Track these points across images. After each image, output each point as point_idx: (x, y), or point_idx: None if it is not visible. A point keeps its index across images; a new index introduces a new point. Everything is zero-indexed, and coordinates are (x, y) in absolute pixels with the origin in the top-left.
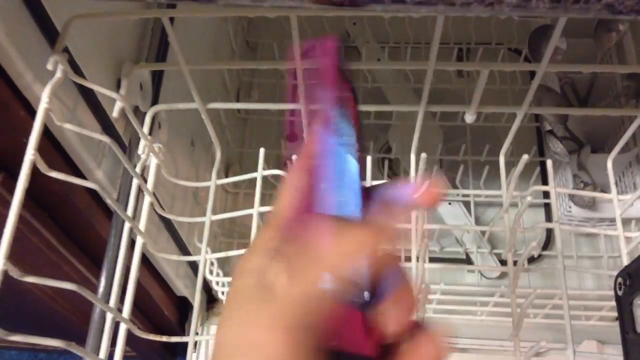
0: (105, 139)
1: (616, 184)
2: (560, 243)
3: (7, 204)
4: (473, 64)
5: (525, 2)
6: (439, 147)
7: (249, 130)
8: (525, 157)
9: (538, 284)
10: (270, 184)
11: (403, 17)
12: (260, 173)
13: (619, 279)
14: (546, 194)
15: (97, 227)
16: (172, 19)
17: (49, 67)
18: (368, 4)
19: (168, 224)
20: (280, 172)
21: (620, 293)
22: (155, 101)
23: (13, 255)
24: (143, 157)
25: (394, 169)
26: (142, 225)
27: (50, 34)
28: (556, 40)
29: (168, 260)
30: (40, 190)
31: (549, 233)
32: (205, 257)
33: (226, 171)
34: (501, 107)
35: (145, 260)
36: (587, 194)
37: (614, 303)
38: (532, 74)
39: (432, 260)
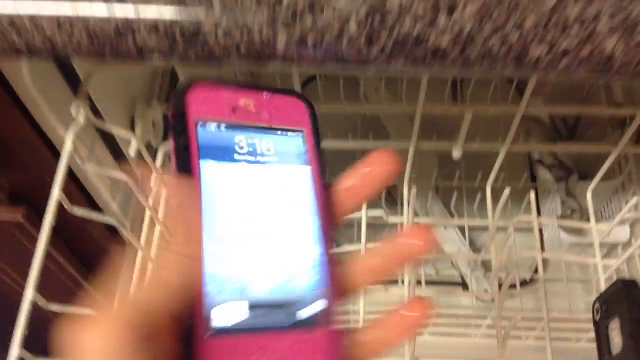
0: (123, 177)
1: (604, 209)
2: (542, 271)
3: (30, 237)
4: (459, 107)
5: (492, 67)
6: (434, 173)
7: None
8: (508, 191)
9: (531, 306)
10: None
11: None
12: None
13: (597, 305)
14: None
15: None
16: None
17: (72, 112)
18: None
19: None
20: None
21: (597, 318)
22: (166, 136)
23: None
24: (155, 189)
25: (392, 195)
26: (154, 252)
27: (73, 81)
28: (529, 93)
29: None
30: (59, 222)
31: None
32: None
33: None
34: (486, 145)
35: None
36: (569, 223)
37: None
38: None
39: (428, 283)
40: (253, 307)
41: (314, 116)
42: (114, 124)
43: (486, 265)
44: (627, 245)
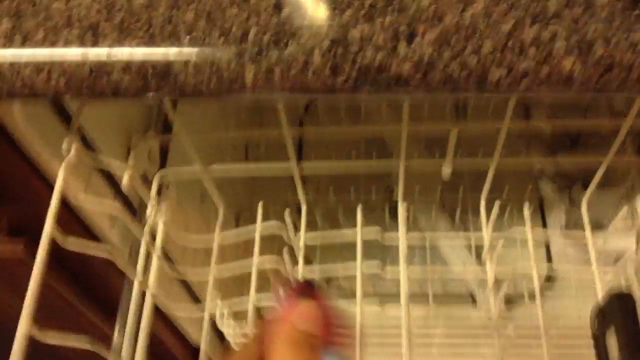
0: (114, 208)
1: (609, 220)
2: (538, 282)
3: (29, 268)
4: (445, 124)
5: (455, 90)
6: (439, 188)
7: (259, 181)
8: (498, 203)
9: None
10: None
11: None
12: (258, 226)
13: (594, 316)
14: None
15: (112, 284)
16: None
17: (64, 147)
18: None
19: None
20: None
21: (595, 329)
22: (163, 165)
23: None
24: (149, 221)
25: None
26: (151, 280)
27: (65, 116)
28: (508, 118)
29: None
30: (58, 251)
31: (550, 269)
32: (210, 311)
33: (237, 219)
34: (474, 160)
35: (159, 311)
36: (565, 234)
37: None
38: (528, 113)
39: (437, 298)
40: None
41: None
42: (109, 154)
43: (496, 281)
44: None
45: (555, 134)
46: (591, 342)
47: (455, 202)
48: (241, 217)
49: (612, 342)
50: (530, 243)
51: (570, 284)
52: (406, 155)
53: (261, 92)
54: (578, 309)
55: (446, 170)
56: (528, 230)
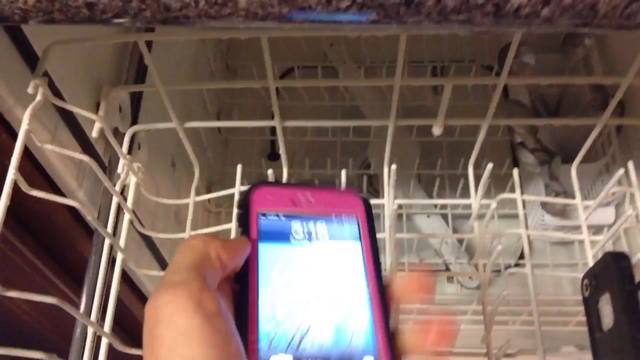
0: (84, 157)
1: (588, 192)
2: (528, 248)
3: None
4: (438, 79)
5: (470, 19)
6: (416, 162)
7: (231, 150)
8: (490, 165)
9: (516, 291)
10: None
11: (378, 38)
12: (237, 189)
13: (585, 281)
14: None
15: (78, 246)
16: (150, 43)
17: (30, 91)
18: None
19: (150, 244)
20: None
21: (586, 294)
22: (134, 122)
23: None
24: (122, 176)
25: (374, 185)
26: (122, 242)
27: (30, 59)
28: (513, 53)
29: (150, 278)
30: (22, 211)
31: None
32: None
33: (208, 191)
34: (466, 120)
35: (127, 278)
36: (553, 200)
37: None
38: (506, 91)
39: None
40: None
41: (368, 209)
42: (78, 107)
43: (470, 252)
44: (612, 226)
45: (535, 107)
46: (569, 312)
47: (432, 176)
48: (212, 190)
49: (606, 307)
50: (520, 208)
51: (547, 256)
52: (382, 126)
53: (255, 18)
54: (554, 283)
55: (437, 130)
56: (518, 196)
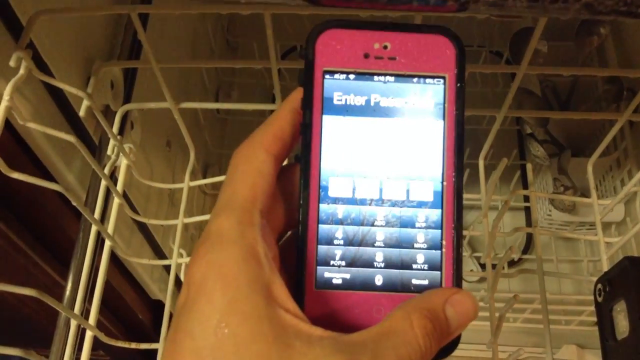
0: (69, 137)
1: (596, 187)
2: (540, 247)
3: None
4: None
5: (502, 1)
6: None
7: (229, 131)
8: (505, 160)
9: (518, 288)
10: None
11: (384, 16)
12: None
13: (599, 285)
14: (526, 198)
15: (66, 229)
16: (146, 18)
17: (12, 63)
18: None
19: (142, 227)
20: None
21: (600, 299)
22: (127, 101)
23: None
24: (112, 157)
25: None
26: (110, 227)
27: (15, 29)
28: (536, 40)
29: (142, 263)
30: (8, 193)
31: (530, 237)
32: (178, 260)
33: (204, 173)
34: (481, 110)
35: (118, 263)
36: (567, 198)
37: (593, 308)
38: (513, 77)
39: None
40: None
41: (460, 56)
42: (67, 83)
43: (473, 245)
44: (621, 223)
45: (546, 99)
46: (572, 311)
47: None
48: (208, 172)
49: (621, 314)
50: (533, 202)
51: (552, 252)
52: None
53: None
54: (556, 279)
55: None
56: (531, 192)
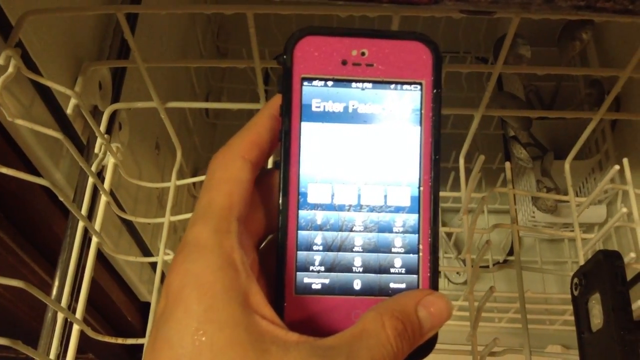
0: (57, 134)
1: (579, 190)
2: (518, 242)
3: None
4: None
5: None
6: None
7: (219, 135)
8: (482, 157)
9: (503, 288)
10: None
11: (372, 19)
12: None
13: (575, 279)
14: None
15: (54, 227)
16: (135, 20)
17: (0, 62)
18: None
19: (131, 229)
20: None
21: (576, 293)
22: (116, 100)
23: None
24: (100, 155)
25: None
26: (97, 225)
27: (4, 28)
28: (510, 39)
29: (131, 264)
30: None
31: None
32: (164, 258)
33: (194, 176)
34: (459, 109)
35: (107, 265)
36: (545, 196)
37: None
38: (500, 83)
39: None
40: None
41: (437, 62)
42: (54, 82)
43: (458, 247)
44: (603, 225)
45: (529, 101)
46: (556, 311)
47: None
48: (198, 175)
49: (595, 307)
50: (511, 201)
51: (536, 253)
52: None
53: None
54: (541, 280)
55: None
56: (509, 189)
